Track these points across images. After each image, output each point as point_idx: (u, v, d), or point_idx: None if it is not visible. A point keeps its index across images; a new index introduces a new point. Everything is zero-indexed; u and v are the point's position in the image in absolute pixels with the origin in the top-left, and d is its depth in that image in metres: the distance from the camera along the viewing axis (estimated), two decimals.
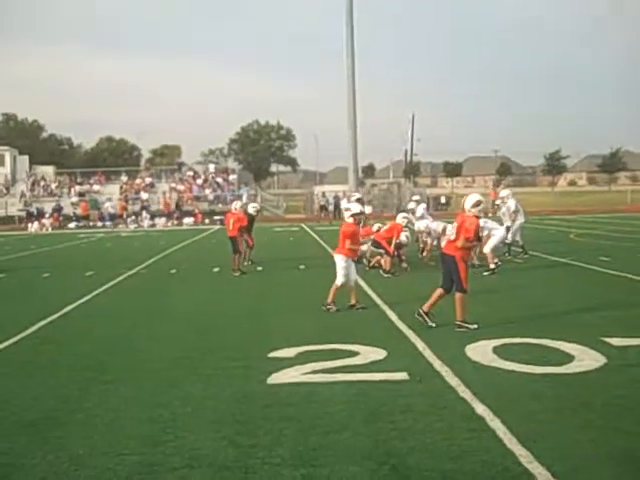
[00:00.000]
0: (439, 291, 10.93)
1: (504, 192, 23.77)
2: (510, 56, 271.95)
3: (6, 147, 76.46)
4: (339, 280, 13.33)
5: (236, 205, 21.94)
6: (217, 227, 52.85)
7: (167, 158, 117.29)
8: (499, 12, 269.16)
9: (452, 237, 10.98)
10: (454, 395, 7.15)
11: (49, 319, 13.01)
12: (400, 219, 19.85)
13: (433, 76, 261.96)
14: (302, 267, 21.09)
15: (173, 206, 63.58)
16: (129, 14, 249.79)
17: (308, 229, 44.22)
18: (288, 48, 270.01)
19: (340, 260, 13.38)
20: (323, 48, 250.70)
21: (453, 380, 7.47)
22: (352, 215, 13.66)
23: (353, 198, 21.99)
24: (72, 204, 64.97)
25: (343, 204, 22.83)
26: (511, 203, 22.09)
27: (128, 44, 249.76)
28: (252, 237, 22.66)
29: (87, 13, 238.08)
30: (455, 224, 11.06)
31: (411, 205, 23.50)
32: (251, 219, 22.81)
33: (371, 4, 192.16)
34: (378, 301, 13.90)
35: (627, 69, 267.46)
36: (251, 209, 23.36)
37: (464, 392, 7.43)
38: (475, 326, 10.36)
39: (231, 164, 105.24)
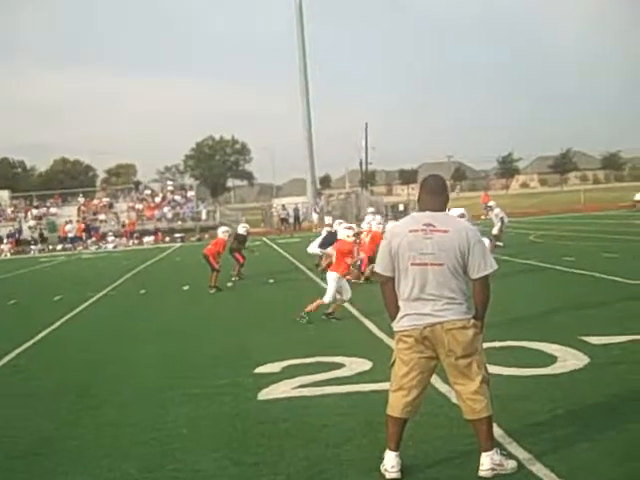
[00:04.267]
0: None
1: (491, 203, 30.18)
2: (459, 60, 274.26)
3: None
4: (327, 298, 13.40)
5: (221, 230, 22.11)
6: (178, 244, 52.66)
7: (123, 177, 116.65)
8: (442, 14, 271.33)
9: None
10: (446, 401, 7.20)
11: (23, 347, 12.83)
12: (375, 226, 19.96)
13: (384, 84, 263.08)
14: (271, 281, 21.10)
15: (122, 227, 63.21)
16: (79, 29, 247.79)
17: (270, 242, 44.18)
18: (239, 61, 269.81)
19: (334, 278, 13.41)
20: (275, 60, 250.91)
21: (443, 387, 7.53)
22: (354, 234, 14.44)
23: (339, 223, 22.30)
24: (29, 228, 64.19)
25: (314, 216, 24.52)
26: (497, 210, 27.29)
27: (79, 61, 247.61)
28: (243, 255, 22.97)
29: (37, 30, 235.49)
30: None
31: (369, 217, 23.73)
32: (242, 238, 23.41)
33: (321, 11, 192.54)
34: (354, 312, 13.96)
35: (576, 68, 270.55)
36: (241, 229, 24.07)
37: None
38: None
39: (188, 180, 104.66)
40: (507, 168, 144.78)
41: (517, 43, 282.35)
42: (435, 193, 5.69)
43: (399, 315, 5.65)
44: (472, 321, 5.52)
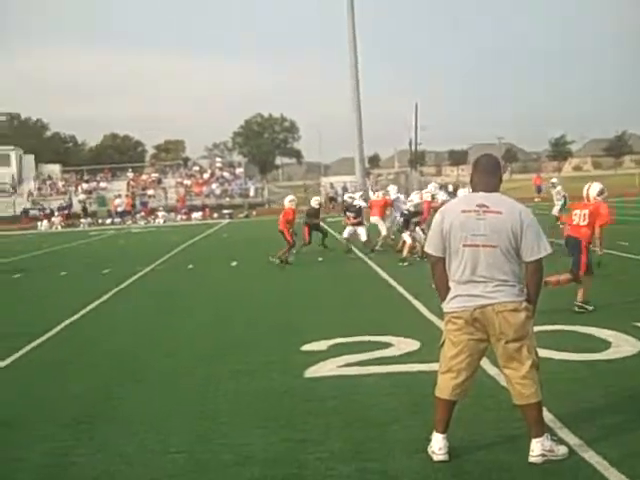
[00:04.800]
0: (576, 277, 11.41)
1: (554, 179, 30.45)
2: (512, 41, 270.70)
3: (11, 147, 76.33)
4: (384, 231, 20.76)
5: (288, 199, 22.36)
6: (226, 221, 52.88)
7: (172, 153, 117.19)
8: None
9: (582, 223, 11.50)
10: (496, 384, 7.09)
11: (73, 318, 12.96)
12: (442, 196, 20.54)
13: (436, 64, 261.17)
14: (320, 259, 21.06)
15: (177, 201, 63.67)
16: (127, 10, 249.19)
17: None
18: (289, 39, 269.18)
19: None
20: (325, 38, 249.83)
21: (492, 369, 7.41)
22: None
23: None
24: (79, 201, 64.91)
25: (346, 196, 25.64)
26: (559, 188, 27.59)
27: (128, 40, 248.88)
28: (311, 231, 23.12)
29: (87, 10, 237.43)
30: (584, 211, 11.54)
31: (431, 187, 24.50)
32: (313, 212, 23.43)
33: None
34: (403, 292, 13.89)
35: (630, 50, 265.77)
36: (313, 202, 24.06)
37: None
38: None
39: (236, 157, 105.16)
40: (560, 151, 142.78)
41: (568, 25, 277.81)
42: (488, 173, 5.58)
43: (449, 296, 5.55)
44: (524, 304, 5.39)
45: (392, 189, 24.67)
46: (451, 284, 5.55)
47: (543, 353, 8.01)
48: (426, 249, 5.81)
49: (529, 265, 5.43)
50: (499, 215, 5.34)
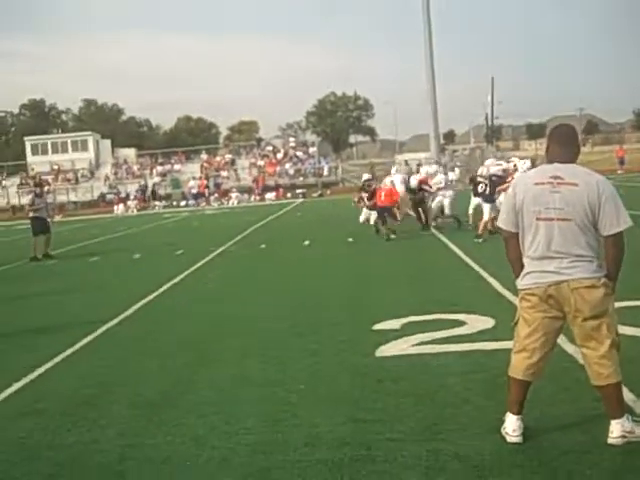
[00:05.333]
0: None
1: None
2: (588, 5, 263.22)
3: (89, 132, 78.26)
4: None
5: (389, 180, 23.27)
6: (300, 200, 52.96)
7: (245, 134, 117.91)
8: None
9: None
10: (573, 363, 6.85)
11: (146, 299, 13.07)
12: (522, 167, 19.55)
13: (510, 36, 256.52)
14: (392, 237, 20.83)
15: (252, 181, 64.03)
16: None
17: None
18: (358, 16, 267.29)
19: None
20: (398, 14, 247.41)
21: (569, 347, 7.17)
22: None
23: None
24: (155, 184, 65.85)
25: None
26: None
27: (196, 24, 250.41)
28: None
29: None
30: None
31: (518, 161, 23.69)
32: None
33: None
34: (476, 267, 13.66)
35: None
36: (413, 181, 23.46)
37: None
38: None
39: (309, 137, 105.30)
40: None
41: None
42: (564, 143, 5.31)
43: (523, 273, 5.34)
44: (602, 280, 5.12)
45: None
46: (525, 260, 5.33)
47: (624, 330, 7.74)
48: (498, 224, 5.60)
49: (608, 239, 5.13)
50: (574, 187, 5.07)
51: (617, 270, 5.23)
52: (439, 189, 22.02)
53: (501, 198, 18.54)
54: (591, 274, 5.12)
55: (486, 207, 18.70)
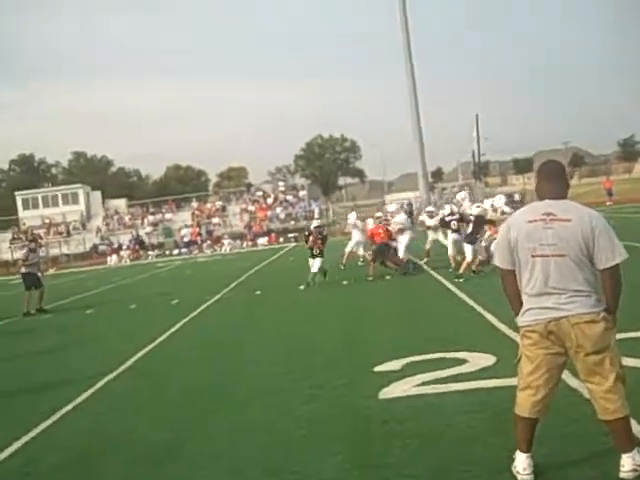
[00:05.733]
0: None
1: None
2: (572, 42, 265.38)
3: (79, 185, 78.53)
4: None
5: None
6: (292, 244, 52.93)
7: (234, 180, 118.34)
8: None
9: None
10: (578, 397, 6.80)
11: (143, 351, 12.94)
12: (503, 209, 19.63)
13: (493, 73, 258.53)
14: (388, 277, 20.79)
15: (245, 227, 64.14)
16: (183, 43, 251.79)
17: None
18: (345, 59, 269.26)
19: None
20: (381, 55, 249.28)
21: (573, 381, 7.13)
22: None
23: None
24: (146, 234, 65.97)
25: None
26: None
27: (182, 71, 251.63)
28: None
29: (146, 45, 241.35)
30: None
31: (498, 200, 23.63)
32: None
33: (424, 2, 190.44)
34: (474, 305, 13.63)
35: None
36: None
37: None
38: None
39: (299, 180, 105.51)
40: (629, 151, 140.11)
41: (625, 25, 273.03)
42: (553, 180, 5.34)
43: (522, 310, 5.33)
44: (602, 314, 5.12)
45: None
46: (523, 297, 5.34)
47: (628, 362, 7.63)
48: (494, 262, 5.63)
49: (604, 272, 5.13)
50: (567, 223, 5.10)
51: (616, 303, 5.21)
52: (400, 230, 21.68)
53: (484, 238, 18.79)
54: (590, 309, 5.11)
55: (468, 248, 18.65)
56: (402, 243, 21.42)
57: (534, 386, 5.26)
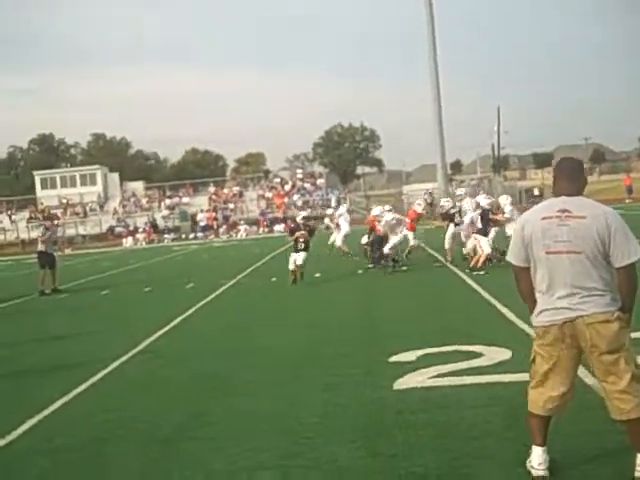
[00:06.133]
0: None
1: None
2: (594, 35, 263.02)
3: (97, 166, 78.81)
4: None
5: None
6: None
7: (252, 166, 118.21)
8: None
9: None
10: (594, 395, 6.75)
11: (158, 334, 12.97)
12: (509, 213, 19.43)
13: (516, 66, 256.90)
14: (404, 268, 20.76)
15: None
16: (202, 28, 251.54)
17: None
18: (365, 46, 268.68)
19: None
20: (405, 45, 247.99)
21: (589, 379, 7.08)
22: None
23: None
24: (163, 217, 66.18)
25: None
26: None
27: (202, 57, 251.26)
28: None
29: (164, 30, 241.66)
30: None
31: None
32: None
33: None
34: (490, 299, 13.59)
35: None
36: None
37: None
38: None
39: (317, 168, 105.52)
40: None
41: None
42: (570, 177, 5.29)
43: (537, 309, 5.28)
44: (616, 314, 5.04)
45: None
46: (537, 295, 5.29)
47: None
48: (508, 259, 5.57)
49: (620, 271, 5.06)
50: (583, 220, 5.04)
51: (632, 302, 5.14)
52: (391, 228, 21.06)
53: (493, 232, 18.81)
54: (605, 308, 5.04)
55: (483, 240, 18.56)
56: (391, 241, 20.69)
57: (548, 385, 5.23)
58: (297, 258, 19.05)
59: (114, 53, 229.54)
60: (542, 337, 5.23)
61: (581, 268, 5.04)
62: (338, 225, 27.89)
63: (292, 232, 20.08)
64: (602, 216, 5.05)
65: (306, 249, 19.30)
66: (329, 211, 32.27)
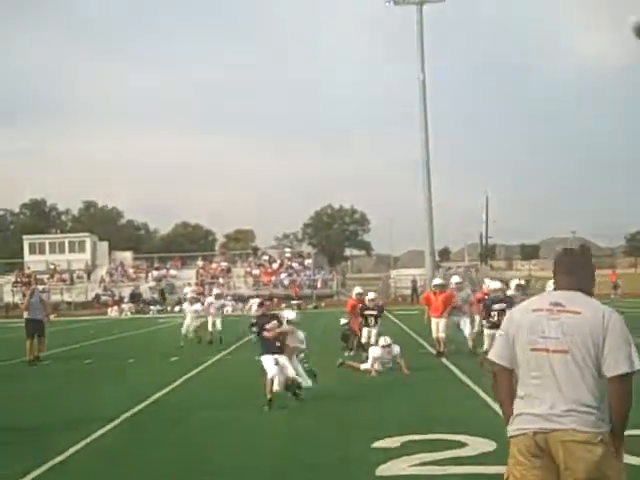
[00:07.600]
0: None
1: None
2: (587, 137, 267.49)
3: (87, 234, 79.00)
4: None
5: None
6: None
7: (241, 243, 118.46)
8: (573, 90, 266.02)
9: None
10: None
11: (138, 407, 12.82)
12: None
13: (507, 157, 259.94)
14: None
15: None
16: (190, 96, 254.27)
17: (387, 314, 43.78)
18: (361, 130, 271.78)
19: None
20: (398, 131, 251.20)
21: None
22: None
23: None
24: (150, 288, 66.08)
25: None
26: None
27: (199, 129, 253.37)
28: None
29: (152, 95, 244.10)
30: None
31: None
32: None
33: (442, 82, 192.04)
34: (477, 389, 13.53)
35: None
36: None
37: None
38: None
39: (305, 248, 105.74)
40: (636, 246, 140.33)
41: None
42: (569, 271, 4.63)
43: (513, 415, 4.45)
44: (600, 437, 4.16)
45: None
46: (515, 400, 4.47)
47: (630, 460, 7.33)
48: (490, 357, 4.71)
49: (612, 381, 4.21)
50: (576, 315, 4.32)
51: (623, 423, 4.29)
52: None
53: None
54: (587, 427, 4.19)
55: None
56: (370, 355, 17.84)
57: None
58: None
59: (108, 118, 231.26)
60: (514, 454, 4.39)
61: (566, 372, 4.27)
62: None
63: (261, 327, 14.17)
64: (599, 313, 4.35)
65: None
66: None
